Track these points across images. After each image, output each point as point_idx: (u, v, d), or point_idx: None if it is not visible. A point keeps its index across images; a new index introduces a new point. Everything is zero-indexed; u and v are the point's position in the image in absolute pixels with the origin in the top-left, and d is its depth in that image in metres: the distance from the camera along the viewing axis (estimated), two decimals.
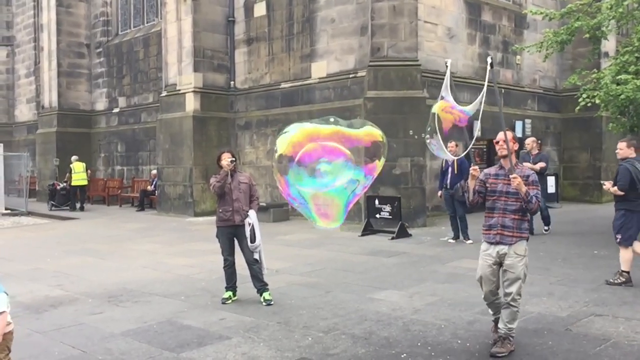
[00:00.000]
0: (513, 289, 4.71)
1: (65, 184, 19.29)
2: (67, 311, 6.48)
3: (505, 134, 4.83)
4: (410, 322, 5.69)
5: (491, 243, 4.82)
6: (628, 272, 6.95)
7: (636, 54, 9.68)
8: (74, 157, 19.26)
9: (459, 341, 5.08)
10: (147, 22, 20.91)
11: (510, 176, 4.68)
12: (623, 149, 7.04)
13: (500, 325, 4.81)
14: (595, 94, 9.79)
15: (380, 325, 5.61)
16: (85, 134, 22.56)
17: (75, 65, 22.48)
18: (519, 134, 15.51)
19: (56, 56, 22.10)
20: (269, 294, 6.58)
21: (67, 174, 19.17)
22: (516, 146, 4.98)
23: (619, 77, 9.21)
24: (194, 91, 16.35)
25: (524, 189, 4.66)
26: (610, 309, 5.94)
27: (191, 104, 16.38)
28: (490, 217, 4.87)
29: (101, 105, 22.45)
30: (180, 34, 16.67)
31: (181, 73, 16.70)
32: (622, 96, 8.99)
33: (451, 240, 10.49)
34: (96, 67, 22.57)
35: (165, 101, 17.31)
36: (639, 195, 6.86)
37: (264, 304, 6.47)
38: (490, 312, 5.07)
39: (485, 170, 5.06)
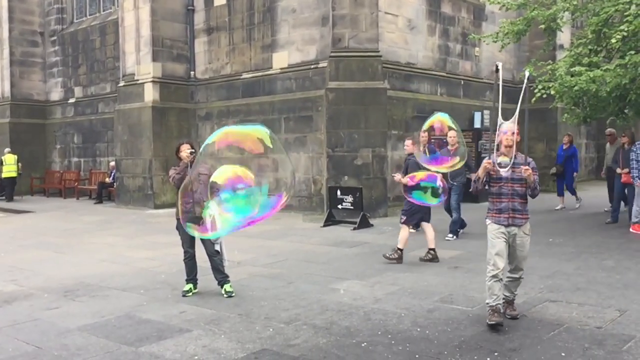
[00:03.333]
0: (524, 264, 5.36)
1: None
2: (22, 307, 6.31)
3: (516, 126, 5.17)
4: (371, 311, 5.74)
5: (502, 225, 5.23)
6: (434, 250, 8.03)
7: (589, 46, 9.95)
8: (6, 150, 19.52)
9: (419, 329, 5.15)
10: (103, 10, 20.40)
11: (523, 167, 5.10)
12: (409, 146, 8.12)
13: (507, 293, 5.36)
14: (550, 85, 10.02)
15: (342, 315, 5.65)
16: (39, 125, 21.93)
17: (28, 54, 21.78)
18: (477, 125, 15.78)
19: (8, 44, 21.35)
20: (230, 286, 6.54)
21: None
22: (518, 139, 5.25)
23: (573, 69, 9.45)
24: (152, 81, 16.06)
25: (532, 177, 5.12)
26: (564, 295, 6.11)
27: (150, 94, 16.08)
28: (499, 202, 5.26)
29: (56, 95, 21.84)
30: (138, 23, 16.32)
31: (139, 63, 16.38)
32: (576, 87, 9.22)
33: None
34: (51, 56, 21.93)
35: (123, 91, 16.96)
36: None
37: (225, 296, 6.43)
38: (491, 299, 5.14)
39: (487, 160, 5.34)
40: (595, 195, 15.84)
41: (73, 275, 7.85)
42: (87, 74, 20.54)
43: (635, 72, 8.66)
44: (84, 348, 4.92)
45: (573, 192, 13.45)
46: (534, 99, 10.58)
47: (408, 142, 8.19)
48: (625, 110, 10.73)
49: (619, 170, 10.56)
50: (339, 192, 11.98)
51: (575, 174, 13.45)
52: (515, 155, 5.21)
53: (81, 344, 5.01)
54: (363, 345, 4.80)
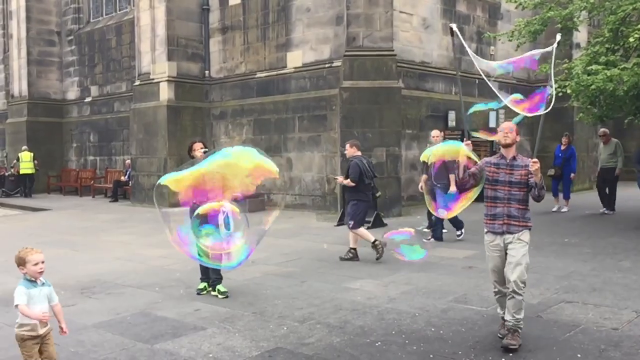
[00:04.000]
0: (515, 275, 4.62)
1: (12, 171, 20.34)
2: None
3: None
4: (384, 310, 5.74)
5: (496, 233, 4.78)
6: (355, 249, 8.27)
7: (606, 45, 9.84)
8: (23, 147, 20.05)
9: (433, 329, 5.14)
10: (119, 10, 20.56)
11: (531, 160, 4.59)
12: (349, 150, 8.34)
13: (507, 317, 4.70)
14: (566, 84, 9.94)
15: (355, 314, 5.65)
16: (56, 124, 22.16)
17: (45, 54, 22.02)
18: (492, 125, 15.67)
19: (26, 44, 21.62)
20: (223, 287, 6.48)
21: (15, 162, 20.15)
22: (518, 139, 4.89)
23: (590, 67, 9.36)
24: (168, 80, 16.16)
25: (540, 174, 4.62)
26: (580, 296, 6.06)
27: (165, 93, 16.19)
28: (493, 207, 4.79)
29: (73, 94, 22.05)
30: (154, 22, 16.43)
31: (155, 62, 16.49)
32: (593, 86, 9.14)
33: (426, 230, 10.53)
34: (67, 56, 22.14)
35: (138, 90, 17.08)
36: (366, 187, 8.26)
37: (221, 297, 6.35)
38: (499, 310, 4.98)
39: (485, 159, 4.98)
40: None
41: (89, 272, 7.93)
42: (103, 73, 20.71)
43: None
44: (99, 345, 4.97)
45: (567, 196, 12.99)
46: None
47: (347, 145, 8.43)
48: None
49: None
50: None
51: (572, 175, 12.99)
52: (514, 157, 4.79)
53: (97, 341, 5.07)
54: (377, 344, 4.80)
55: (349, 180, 8.16)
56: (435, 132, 10.42)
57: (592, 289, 6.32)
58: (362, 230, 8.26)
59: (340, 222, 11.76)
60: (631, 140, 20.45)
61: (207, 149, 6.57)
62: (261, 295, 6.48)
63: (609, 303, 5.78)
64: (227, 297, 6.36)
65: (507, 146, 4.79)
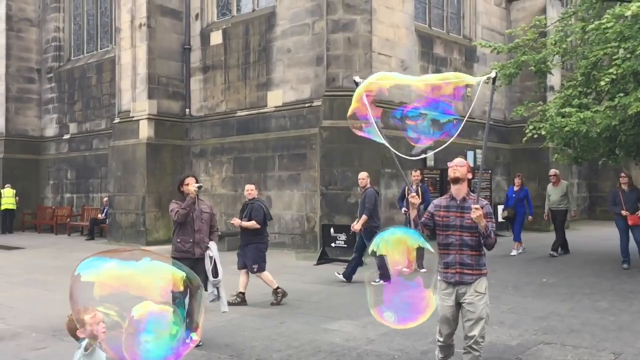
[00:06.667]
0: (476, 331, 4.36)
1: None
2: (8, 346, 6.19)
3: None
4: (364, 352, 5.67)
5: (449, 283, 4.47)
6: (279, 287, 8.08)
7: (579, 88, 10.12)
8: (7, 185, 20.06)
9: None
10: (100, 48, 20.64)
11: (473, 206, 4.29)
12: (252, 192, 8.27)
13: None
14: (541, 126, 10.15)
15: (334, 356, 5.57)
16: (33, 161, 21.91)
17: (24, 91, 21.91)
18: (470, 164, 15.86)
19: (5, 81, 21.48)
20: (196, 334, 6.21)
21: None
22: (470, 176, 4.63)
23: (564, 110, 9.58)
24: (148, 118, 16.15)
25: (483, 222, 4.29)
26: (559, 337, 6.06)
27: (145, 130, 16.16)
28: (446, 254, 4.47)
29: (51, 131, 21.90)
30: (135, 61, 16.51)
31: (135, 100, 16.50)
32: (567, 128, 9.33)
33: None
34: (47, 93, 22.06)
35: (118, 128, 17.03)
36: (266, 230, 8.25)
37: (191, 345, 6.05)
38: (440, 355, 4.76)
39: (435, 201, 4.68)
40: (589, 235, 15.88)
41: (62, 313, 7.68)
42: (82, 111, 20.64)
43: (624, 114, 8.78)
44: None
45: (518, 238, 12.50)
46: (525, 138, 10.70)
47: (250, 187, 8.30)
48: (616, 151, 10.84)
49: (624, 213, 10.22)
50: (332, 230, 11.95)
51: (530, 217, 12.55)
52: (465, 197, 4.46)
53: None
54: None
55: (253, 222, 7.99)
56: (414, 172, 10.70)
57: (570, 330, 6.33)
58: (267, 274, 8.13)
59: (320, 261, 11.71)
60: (605, 180, 20.86)
61: (201, 185, 6.50)
62: (239, 336, 6.37)
63: (587, 344, 5.78)
64: (199, 345, 5.82)
65: (455, 181, 4.49)
